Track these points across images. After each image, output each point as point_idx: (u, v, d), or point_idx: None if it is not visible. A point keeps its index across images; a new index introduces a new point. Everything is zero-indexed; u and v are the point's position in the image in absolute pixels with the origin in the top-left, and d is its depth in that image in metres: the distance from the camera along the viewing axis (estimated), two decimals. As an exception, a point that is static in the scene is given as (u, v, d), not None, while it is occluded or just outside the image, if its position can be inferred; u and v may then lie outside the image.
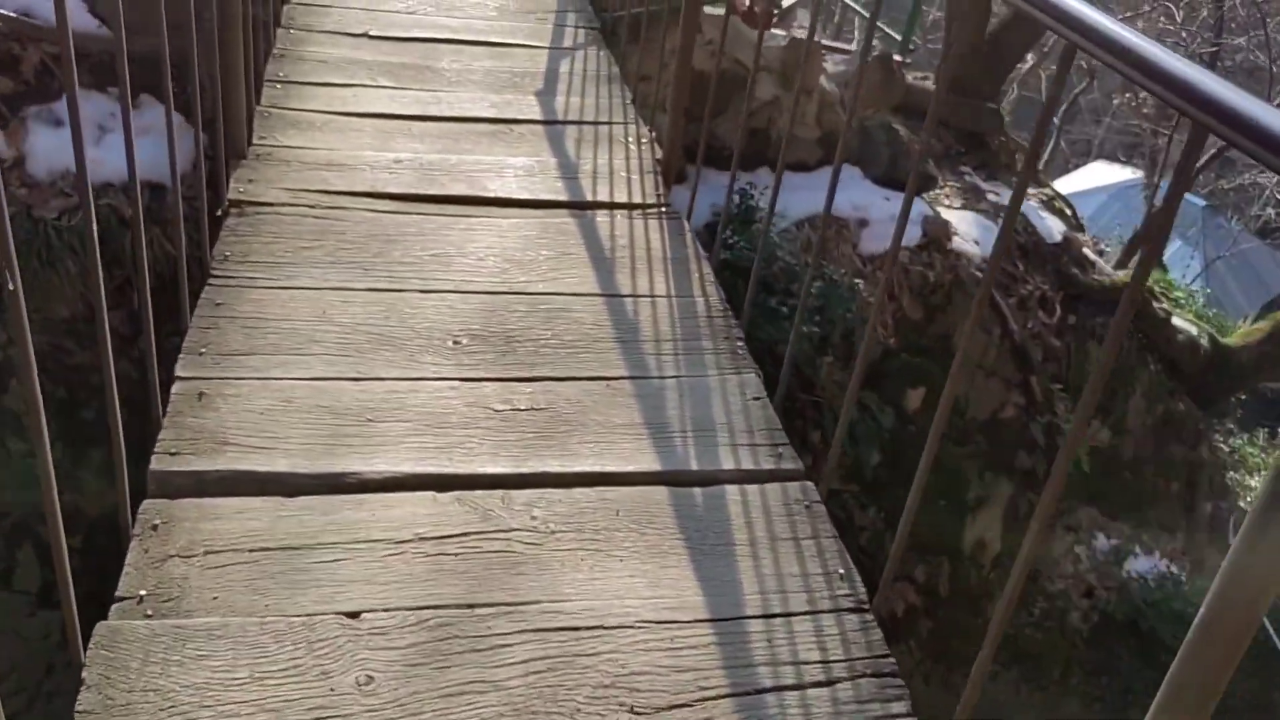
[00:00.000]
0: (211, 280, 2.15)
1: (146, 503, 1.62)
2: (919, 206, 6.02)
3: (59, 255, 3.72)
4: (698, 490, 1.81)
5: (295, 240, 2.32)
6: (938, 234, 5.87)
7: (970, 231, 6.13)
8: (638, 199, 2.71)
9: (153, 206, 3.72)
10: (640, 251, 2.48)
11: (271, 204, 2.44)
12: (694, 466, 1.86)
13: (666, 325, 2.23)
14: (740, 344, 2.21)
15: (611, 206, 2.67)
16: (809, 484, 1.86)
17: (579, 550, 1.66)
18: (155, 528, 1.58)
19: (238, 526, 1.61)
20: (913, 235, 5.83)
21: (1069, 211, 7.26)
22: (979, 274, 5.98)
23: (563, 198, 2.66)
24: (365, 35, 3.39)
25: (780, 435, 1.97)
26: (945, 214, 6.14)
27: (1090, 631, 6.39)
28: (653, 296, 2.33)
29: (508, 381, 2.01)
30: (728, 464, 1.88)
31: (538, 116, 3.05)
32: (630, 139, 3.03)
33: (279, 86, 2.97)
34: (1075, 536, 6.49)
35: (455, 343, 2.09)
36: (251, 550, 1.57)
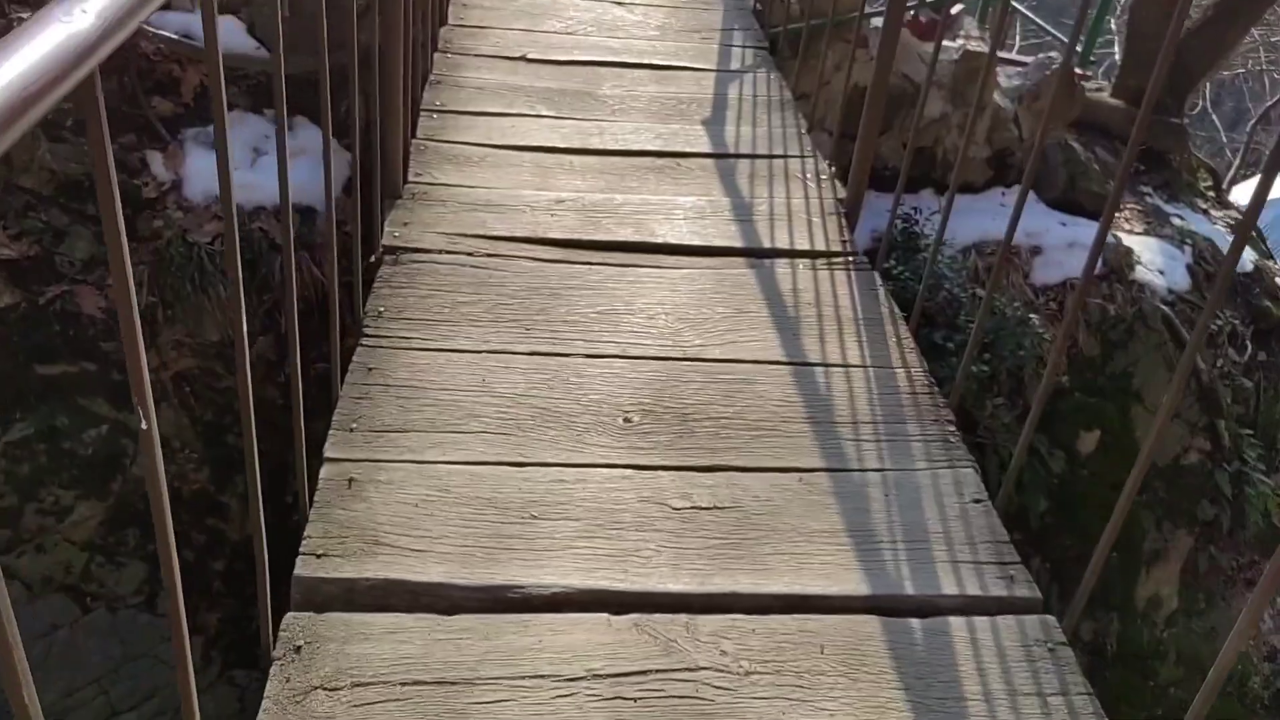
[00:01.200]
0: (364, 340, 1.95)
1: (289, 618, 1.41)
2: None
3: (211, 279, 3.63)
4: (915, 623, 1.50)
5: (453, 293, 2.11)
6: (1119, 263, 5.38)
7: (1154, 260, 5.60)
8: (820, 246, 2.41)
9: (303, 231, 3.62)
10: (828, 310, 2.18)
11: (428, 250, 2.23)
12: (909, 590, 1.56)
13: (864, 403, 1.92)
14: (952, 428, 1.89)
15: (792, 255, 2.37)
16: (1049, 619, 1.54)
17: (779, 699, 1.37)
18: (299, 649, 1.37)
19: (390, 651, 1.38)
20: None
21: (1259, 237, 6.61)
22: (1164, 307, 5.46)
23: (738, 244, 2.38)
24: (523, 59, 3.17)
25: (1009, 551, 1.64)
26: (1126, 239, 5.63)
27: (1272, 699, 5.79)
28: (846, 366, 2.03)
29: (686, 471, 1.74)
30: (949, 587, 1.57)
31: (706, 149, 2.77)
32: (808, 174, 2.72)
33: (435, 116, 2.77)
34: (1259, 593, 5.86)
35: (626, 420, 1.83)
36: (404, 684, 1.34)
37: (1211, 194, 6.77)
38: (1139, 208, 6.08)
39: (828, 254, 2.39)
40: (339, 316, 1.77)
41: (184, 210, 3.81)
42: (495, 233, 2.32)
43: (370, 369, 1.88)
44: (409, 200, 2.40)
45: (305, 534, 1.53)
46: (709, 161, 2.72)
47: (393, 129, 2.34)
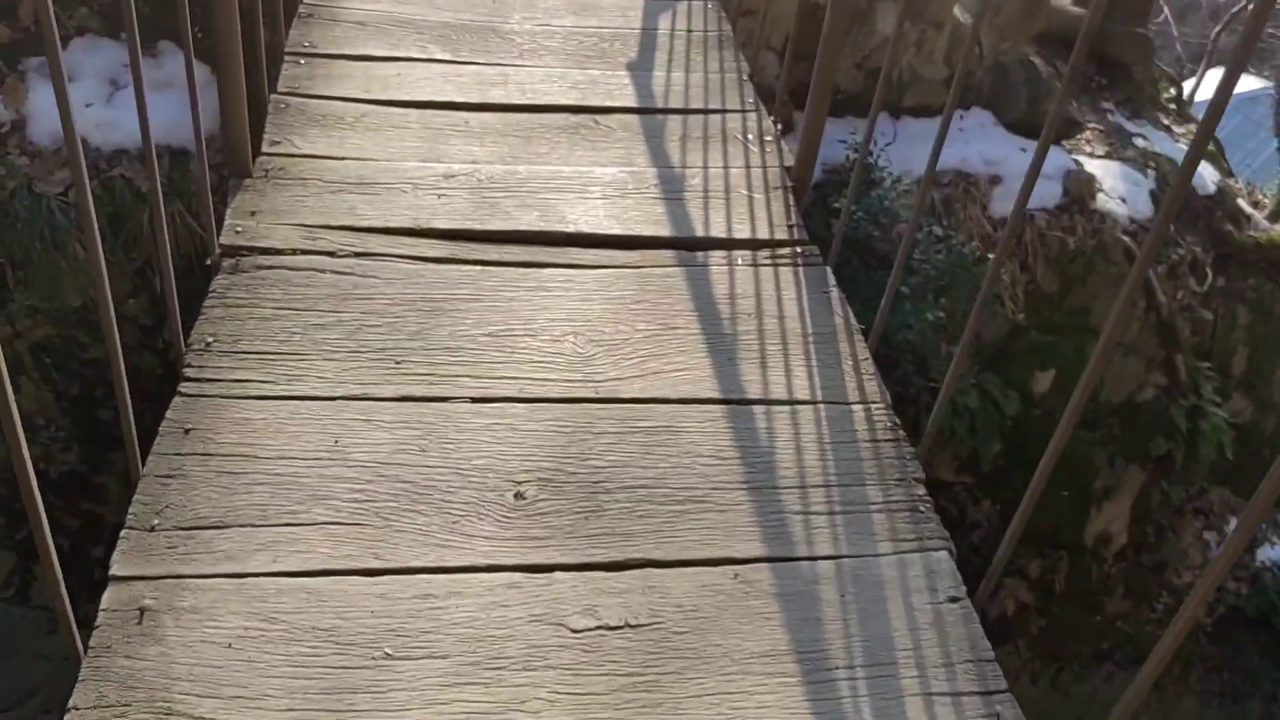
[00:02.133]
0: (184, 388, 1.50)
1: None
2: (1058, 158, 5.14)
3: (64, 236, 3.12)
4: (880, 796, 1.15)
5: (306, 313, 1.65)
6: (1080, 192, 4.99)
7: (1116, 186, 5.23)
8: (764, 233, 1.98)
9: (175, 178, 3.09)
10: (771, 323, 1.77)
11: (278, 251, 1.76)
12: (872, 743, 1.20)
13: (814, 456, 1.53)
14: (921, 492, 1.50)
15: (730, 245, 1.94)
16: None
17: None
18: None
19: None
20: (1051, 193, 4.97)
21: (1219, 152, 6.27)
22: (1126, 239, 5.11)
23: (665, 232, 1.94)
24: (417, -18, 2.64)
25: (994, 674, 1.28)
26: (1088, 165, 5.23)
27: (1215, 625, 5.68)
28: (792, 403, 1.63)
29: (591, 571, 1.34)
30: (922, 735, 1.21)
31: (631, 102, 2.30)
32: (750, 135, 2.27)
33: (302, 62, 2.25)
34: (1205, 521, 5.72)
35: (518, 495, 1.42)
36: None
37: (1174, 107, 6.38)
38: (1100, 128, 5.68)
39: (771, 244, 1.96)
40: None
41: (29, 155, 3.26)
42: (366, 222, 1.86)
43: (188, 430, 1.44)
44: (260, 180, 1.91)
45: (70, 702, 1.12)
46: (633, 119, 2.25)
47: (232, 83, 1.85)
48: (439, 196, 1.94)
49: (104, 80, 3.26)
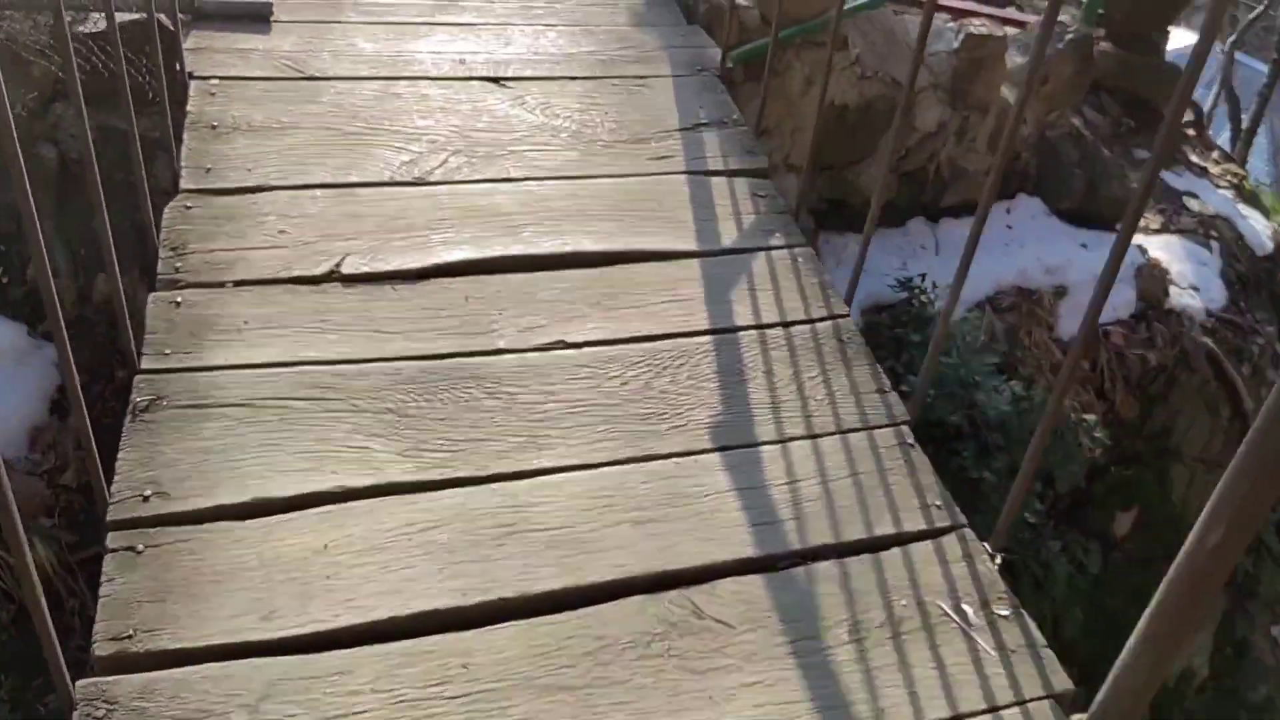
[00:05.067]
0: None
1: None
2: (1129, 253, 4.17)
3: None
4: None
5: None
6: (1154, 291, 4.09)
7: (1185, 273, 4.35)
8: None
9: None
10: None
11: None
12: None
13: None
14: None
15: None
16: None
17: None
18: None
19: None
20: (1124, 300, 4.06)
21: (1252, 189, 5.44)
22: (1207, 341, 4.25)
23: None
24: (334, 275, 1.59)
25: None
26: (1150, 247, 4.33)
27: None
28: None
29: None
30: None
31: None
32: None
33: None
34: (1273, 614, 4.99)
35: None
36: None
37: (1192, 132, 5.50)
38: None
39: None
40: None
41: None
42: None
43: None
44: None
45: None
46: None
47: None
48: None
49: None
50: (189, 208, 1.68)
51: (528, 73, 2.15)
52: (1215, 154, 5.42)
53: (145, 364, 1.42)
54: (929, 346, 1.53)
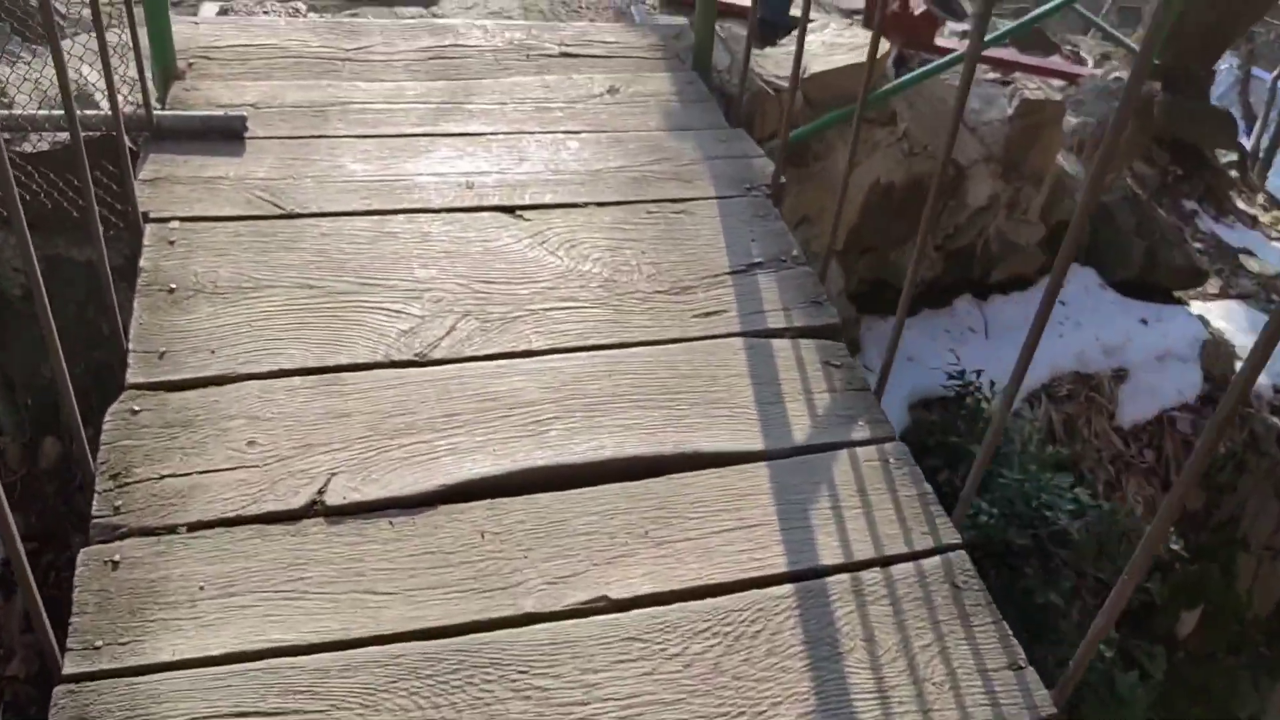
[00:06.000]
0: None
1: None
2: (1187, 325, 3.88)
3: None
4: None
5: None
6: (1219, 370, 3.74)
7: (1249, 345, 3.95)
8: None
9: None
10: None
11: None
12: None
13: None
14: None
15: None
16: None
17: None
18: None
19: None
20: (1190, 382, 3.71)
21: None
22: (1277, 420, 3.91)
23: None
24: (315, 509, 1.25)
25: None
26: (1211, 317, 4.00)
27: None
28: None
29: None
30: None
31: None
32: None
33: None
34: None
35: None
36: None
37: (1235, 174, 5.15)
38: (1199, 245, 4.42)
39: None
40: None
41: None
42: None
43: None
44: None
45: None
46: None
47: None
48: None
49: None
50: (135, 412, 1.34)
51: (547, 198, 1.81)
52: (1262, 198, 5.08)
53: (69, 665, 1.08)
54: (973, 463, 1.29)
